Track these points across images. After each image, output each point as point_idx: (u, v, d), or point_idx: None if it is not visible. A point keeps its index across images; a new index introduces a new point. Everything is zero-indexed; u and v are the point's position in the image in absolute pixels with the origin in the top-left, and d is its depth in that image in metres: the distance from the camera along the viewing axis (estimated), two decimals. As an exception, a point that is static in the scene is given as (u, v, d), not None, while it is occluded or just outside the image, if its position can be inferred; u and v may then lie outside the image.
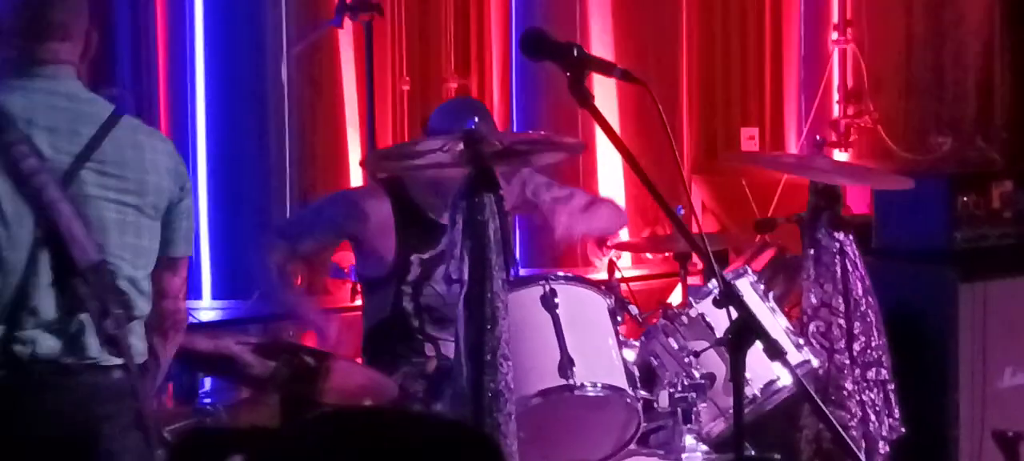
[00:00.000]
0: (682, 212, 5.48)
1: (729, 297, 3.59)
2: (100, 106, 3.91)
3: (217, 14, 6.61)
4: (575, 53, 3.72)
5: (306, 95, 6.54)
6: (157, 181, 3.93)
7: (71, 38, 3.93)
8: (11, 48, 3.92)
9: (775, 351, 3.64)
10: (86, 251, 3.72)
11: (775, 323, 5.04)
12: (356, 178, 6.63)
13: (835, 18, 7.85)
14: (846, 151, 7.64)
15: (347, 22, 5.95)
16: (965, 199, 6.48)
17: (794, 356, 4.95)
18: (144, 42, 6.52)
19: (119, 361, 3.81)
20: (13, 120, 3.77)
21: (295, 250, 5.47)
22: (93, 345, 3.78)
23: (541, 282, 4.72)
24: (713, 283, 5.09)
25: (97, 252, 3.75)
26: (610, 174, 6.83)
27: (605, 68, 3.83)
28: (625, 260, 6.56)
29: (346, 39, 6.37)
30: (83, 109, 3.88)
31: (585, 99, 3.69)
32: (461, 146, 4.31)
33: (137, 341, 3.89)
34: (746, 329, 3.53)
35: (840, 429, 4.29)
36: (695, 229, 4.35)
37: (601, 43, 6.93)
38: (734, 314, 3.60)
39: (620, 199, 6.82)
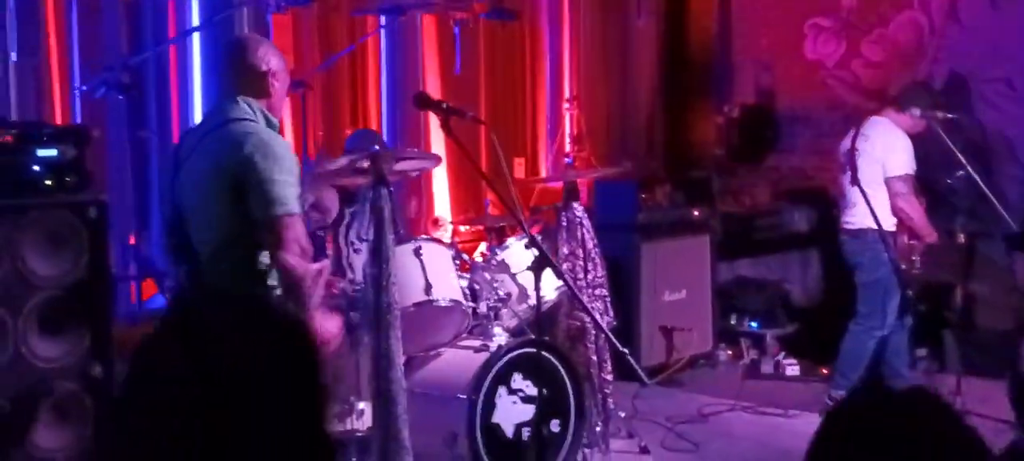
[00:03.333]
0: (489, 204, 5.56)
1: (533, 243, 3.67)
2: None
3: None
4: (445, 106, 3.72)
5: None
6: None
7: None
8: None
9: (557, 271, 3.74)
10: None
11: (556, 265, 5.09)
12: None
13: (567, 93, 7.93)
14: (574, 172, 7.70)
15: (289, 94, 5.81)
16: (643, 195, 6.65)
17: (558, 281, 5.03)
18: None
19: None
20: None
21: None
22: None
23: (412, 241, 4.73)
24: (508, 242, 5.18)
25: None
26: (441, 177, 6.81)
27: (462, 114, 3.76)
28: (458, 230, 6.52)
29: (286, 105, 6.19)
30: None
31: (453, 134, 3.64)
32: (368, 162, 4.30)
33: None
34: (543, 260, 3.61)
35: (596, 317, 4.30)
36: (506, 210, 4.34)
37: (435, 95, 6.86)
38: (535, 253, 3.67)
39: (446, 193, 6.81)
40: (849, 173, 5.65)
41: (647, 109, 8.43)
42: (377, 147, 4.61)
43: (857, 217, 5.67)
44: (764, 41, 8.27)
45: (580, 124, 7.81)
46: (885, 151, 5.58)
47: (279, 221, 3.25)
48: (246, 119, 3.40)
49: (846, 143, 5.75)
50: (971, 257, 6.23)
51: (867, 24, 7.88)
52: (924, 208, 5.68)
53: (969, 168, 5.23)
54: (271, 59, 3.52)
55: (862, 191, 5.54)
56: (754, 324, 7.03)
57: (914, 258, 5.67)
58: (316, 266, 3.35)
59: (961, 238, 5.72)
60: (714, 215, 6.98)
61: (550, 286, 4.97)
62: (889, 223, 5.62)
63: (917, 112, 5.58)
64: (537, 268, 3.56)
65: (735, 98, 8.36)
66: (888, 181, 5.59)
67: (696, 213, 6.80)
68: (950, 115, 5.54)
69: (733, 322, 7.07)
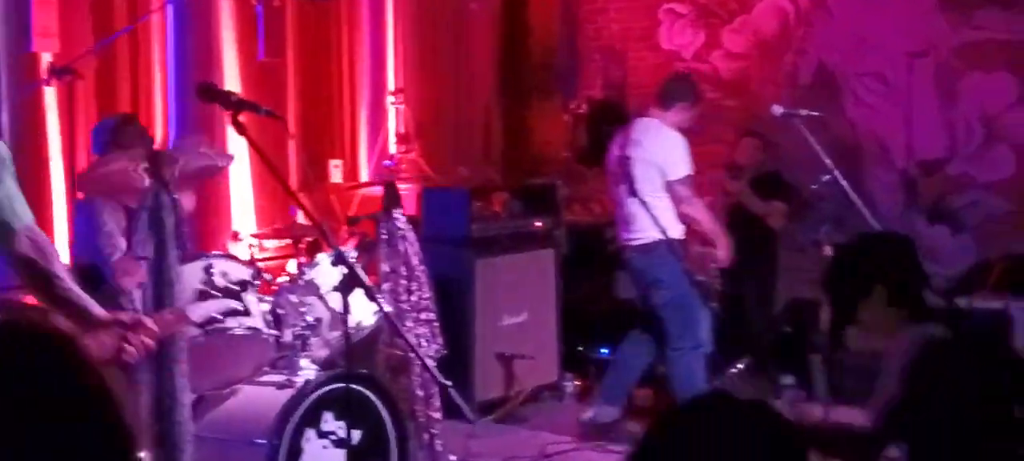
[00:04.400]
0: (295, 212, 5.52)
1: (341, 259, 3.65)
2: None
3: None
4: (234, 98, 3.67)
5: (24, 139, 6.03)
6: None
7: None
8: None
9: (370, 293, 3.73)
10: None
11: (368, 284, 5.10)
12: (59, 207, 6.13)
13: (391, 86, 7.92)
14: (400, 176, 7.73)
15: (54, 82, 5.64)
16: (477, 204, 6.69)
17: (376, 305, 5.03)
18: None
19: None
20: None
21: None
22: None
23: (202, 258, 4.65)
24: (318, 259, 5.14)
25: None
26: (242, 182, 6.70)
27: (254, 108, 3.70)
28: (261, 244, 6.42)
29: (51, 95, 6.00)
30: None
31: (242, 129, 3.57)
32: (146, 163, 4.19)
33: None
34: (352, 279, 3.60)
35: (413, 346, 4.32)
36: (309, 221, 4.33)
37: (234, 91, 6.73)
38: (343, 272, 3.66)
39: (249, 201, 6.72)
40: (625, 184, 5.84)
41: (483, 105, 8.51)
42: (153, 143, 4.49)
43: (642, 230, 5.87)
44: (614, 28, 8.47)
45: (407, 121, 7.81)
46: (662, 154, 5.81)
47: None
48: None
49: (615, 151, 5.98)
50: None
51: (727, 11, 8.16)
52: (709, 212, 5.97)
53: (836, 172, 5.45)
54: None
55: (642, 202, 5.76)
56: (605, 350, 7.13)
57: (710, 267, 5.90)
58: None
59: (827, 250, 5.95)
60: (559, 226, 7.07)
61: (368, 310, 4.97)
62: (677, 232, 5.85)
63: (682, 105, 5.86)
64: (345, 289, 3.55)
65: (582, 93, 8.51)
66: (670, 186, 5.81)
67: (539, 224, 6.88)
68: (814, 112, 5.77)
69: (581, 348, 7.17)
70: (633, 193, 5.81)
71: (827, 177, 5.55)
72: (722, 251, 5.91)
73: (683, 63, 8.27)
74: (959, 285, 6.76)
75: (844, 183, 5.47)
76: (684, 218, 5.86)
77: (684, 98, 5.96)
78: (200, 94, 3.76)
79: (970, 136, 7.47)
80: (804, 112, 5.63)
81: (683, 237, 5.88)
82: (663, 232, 5.78)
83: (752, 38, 8.05)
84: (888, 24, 7.61)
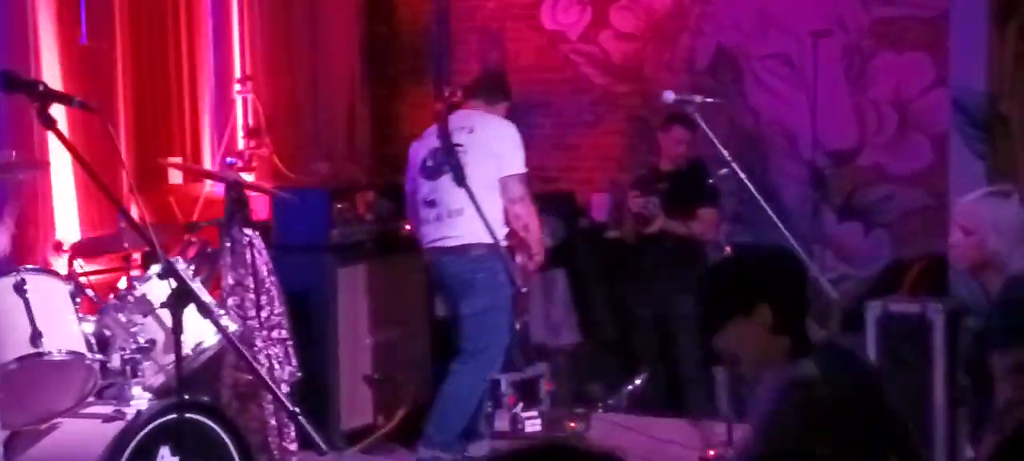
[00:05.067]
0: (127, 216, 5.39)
1: (170, 271, 3.59)
2: None
3: None
4: (41, 88, 3.60)
5: None
6: None
7: None
8: None
9: (206, 310, 3.68)
10: None
11: (203, 299, 5.03)
12: None
13: (238, 73, 7.82)
14: (250, 174, 7.63)
15: None
16: (339, 206, 6.65)
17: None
18: None
19: None
20: None
21: None
22: None
23: (13, 273, 4.55)
24: (152, 271, 5.05)
25: None
26: (64, 187, 6.53)
27: (66, 100, 3.67)
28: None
29: None
30: None
31: (51, 124, 3.52)
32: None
33: None
34: (183, 294, 3.54)
35: (260, 371, 4.27)
36: (134, 228, 4.25)
37: (53, 80, 6.57)
38: (174, 286, 3.60)
39: (74, 207, 6.56)
40: (450, 172, 5.83)
41: (345, 93, 8.45)
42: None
43: (462, 228, 5.85)
44: (491, 6, 8.48)
45: (256, 113, 7.74)
46: (500, 144, 5.85)
47: None
48: None
49: (432, 139, 5.99)
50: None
51: (617, -13, 8.22)
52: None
53: (734, 165, 5.53)
54: None
55: (471, 194, 5.74)
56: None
57: (522, 280, 5.95)
58: None
59: (727, 250, 6.04)
60: (432, 230, 7.06)
61: (212, 329, 4.90)
62: (502, 234, 5.88)
63: (506, 106, 6.00)
64: (175, 305, 3.49)
65: (456, 79, 8.49)
66: (505, 181, 5.84)
67: (407, 227, 6.85)
68: (711, 99, 5.84)
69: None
70: (462, 182, 5.77)
71: (725, 170, 5.63)
72: (534, 264, 5.97)
73: (569, 45, 8.31)
74: (873, 287, 6.93)
75: (744, 177, 5.55)
76: (514, 219, 5.85)
77: (507, 97, 6.12)
78: (1, 84, 3.67)
79: (883, 123, 7.63)
80: (699, 99, 5.70)
81: (506, 242, 5.89)
82: (490, 233, 5.76)
83: (644, 17, 8.13)
84: (793, 2, 7.73)
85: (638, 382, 7.06)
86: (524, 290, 5.91)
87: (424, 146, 6.01)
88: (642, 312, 7.16)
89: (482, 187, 5.77)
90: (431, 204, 5.92)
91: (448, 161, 5.82)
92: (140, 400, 4.67)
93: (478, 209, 5.73)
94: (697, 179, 6.94)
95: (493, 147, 5.80)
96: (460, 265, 5.86)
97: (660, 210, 6.94)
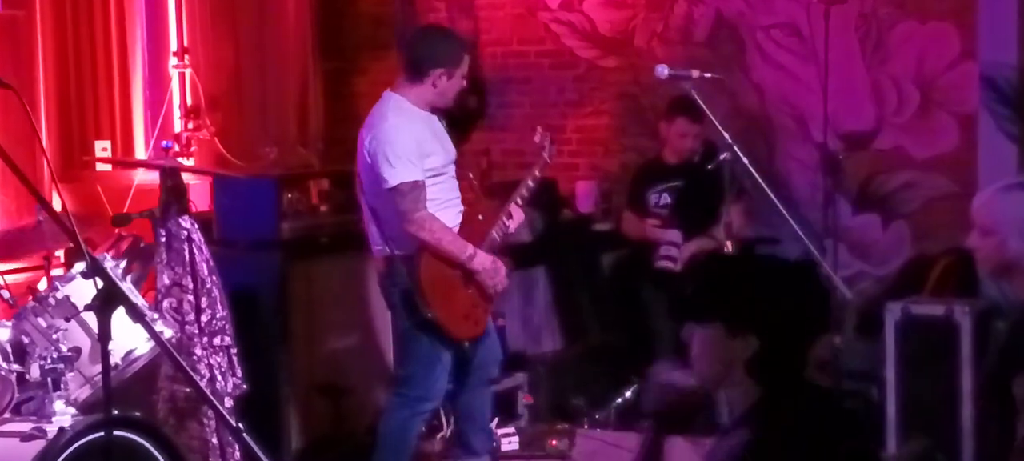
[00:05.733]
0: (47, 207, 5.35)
1: (96, 269, 3.54)
2: None
3: None
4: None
5: None
6: None
7: None
8: None
9: (137, 314, 3.63)
10: None
11: (134, 301, 5.01)
12: None
13: (174, 46, 7.79)
14: (189, 159, 7.62)
15: None
16: (290, 196, 6.63)
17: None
18: None
19: None
20: None
21: None
22: None
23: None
24: (76, 269, 5.02)
25: None
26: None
27: None
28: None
29: None
30: None
31: None
32: None
33: None
34: (111, 295, 3.50)
35: (200, 384, 4.25)
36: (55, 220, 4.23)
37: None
38: (101, 287, 3.55)
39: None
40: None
41: (297, 69, 8.45)
42: None
43: (373, 237, 5.77)
44: (463, -29, 8.49)
45: (196, 91, 7.73)
46: (377, 152, 5.56)
47: None
48: None
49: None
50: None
51: (603, -51, 8.22)
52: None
53: (736, 149, 5.53)
54: None
55: (370, 208, 5.69)
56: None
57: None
58: None
59: (728, 247, 6.04)
60: (396, 222, 7.06)
61: (142, 336, 4.88)
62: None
63: (440, 73, 5.65)
64: (100, 308, 3.44)
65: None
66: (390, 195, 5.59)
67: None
68: (709, 74, 5.83)
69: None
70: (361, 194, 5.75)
71: (726, 155, 5.62)
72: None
73: (549, 13, 8.30)
74: (893, 287, 6.93)
75: (747, 163, 5.54)
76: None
77: (442, 62, 5.70)
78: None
79: (903, 102, 7.65)
80: (696, 74, 5.68)
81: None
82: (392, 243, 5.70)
83: (634, -18, 8.14)
84: (803, -37, 7.73)
85: (628, 395, 7.04)
86: (429, 315, 5.74)
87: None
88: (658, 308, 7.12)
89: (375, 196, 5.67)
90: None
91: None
92: (63, 416, 4.64)
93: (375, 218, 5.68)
94: (713, 172, 6.92)
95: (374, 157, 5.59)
96: (381, 278, 5.86)
97: (686, 250, 6.97)
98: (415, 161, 5.53)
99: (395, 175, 5.51)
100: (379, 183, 5.57)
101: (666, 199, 7.21)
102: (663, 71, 5.60)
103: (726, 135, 5.53)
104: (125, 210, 6.80)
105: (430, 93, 5.70)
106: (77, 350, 4.83)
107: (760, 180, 5.54)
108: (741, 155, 5.54)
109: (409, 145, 5.54)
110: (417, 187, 5.52)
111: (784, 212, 5.73)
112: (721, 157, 5.73)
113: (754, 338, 3.05)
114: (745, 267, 3.19)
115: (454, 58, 5.74)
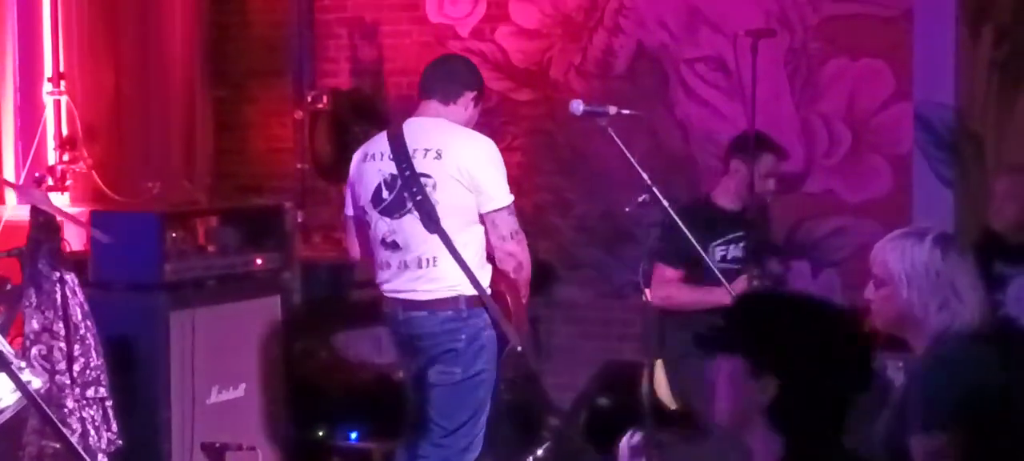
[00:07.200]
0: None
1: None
2: None
3: None
4: None
5: None
6: None
7: None
8: None
9: (3, 362, 3.62)
10: None
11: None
12: None
13: (49, 71, 7.75)
14: (64, 194, 7.57)
15: None
16: (174, 235, 6.58)
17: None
18: None
19: None
20: None
21: None
22: None
23: None
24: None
25: None
26: None
27: None
28: None
29: None
30: None
31: None
32: None
33: None
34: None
35: (70, 439, 4.22)
36: None
37: None
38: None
39: None
40: (415, 212, 5.49)
41: (183, 98, 8.42)
42: None
43: (439, 281, 5.55)
44: (365, -8, 8.52)
45: (72, 120, 7.68)
46: (478, 171, 5.52)
47: None
48: None
49: (384, 159, 5.61)
50: (663, 322, 6.61)
51: (517, -26, 8.28)
52: None
53: (655, 190, 5.55)
54: None
55: (447, 239, 5.49)
56: (354, 435, 7.13)
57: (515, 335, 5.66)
58: None
59: (647, 295, 6.07)
60: (290, 264, 7.05)
61: (8, 386, 4.84)
62: (486, 281, 5.60)
63: (471, 97, 5.66)
64: (-38, 354, 3.45)
65: (322, 81, 8.49)
66: (492, 217, 5.56)
67: (260, 261, 6.84)
68: (627, 111, 5.86)
69: (320, 433, 7.14)
70: (432, 229, 5.48)
71: (645, 197, 5.65)
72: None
73: (459, 42, 8.34)
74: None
75: (667, 205, 5.59)
76: (506, 260, 5.58)
77: (471, 86, 5.74)
78: None
79: (834, 142, 7.73)
80: (614, 110, 5.69)
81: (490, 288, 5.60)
82: (476, 283, 5.51)
83: (551, 11, 8.19)
84: (729, -6, 7.82)
85: (540, 453, 7.07)
86: (519, 348, 5.64)
87: (374, 167, 5.64)
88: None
89: (459, 228, 5.50)
90: (394, 247, 5.59)
91: (412, 197, 5.49)
92: (-81, 474, 4.60)
93: (456, 257, 5.48)
94: (762, 211, 6.86)
95: (470, 176, 5.48)
96: (436, 323, 5.56)
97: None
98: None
99: (506, 191, 5.54)
100: (479, 207, 5.51)
101: (735, 252, 6.73)
102: (578, 107, 5.60)
103: (645, 176, 5.54)
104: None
105: (462, 116, 5.70)
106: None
107: (680, 223, 5.59)
108: (660, 197, 5.56)
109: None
110: (514, 205, 5.61)
111: (705, 258, 5.81)
112: (641, 199, 5.72)
113: (775, 380, 3.07)
114: (789, 308, 3.17)
115: (481, 86, 5.85)
